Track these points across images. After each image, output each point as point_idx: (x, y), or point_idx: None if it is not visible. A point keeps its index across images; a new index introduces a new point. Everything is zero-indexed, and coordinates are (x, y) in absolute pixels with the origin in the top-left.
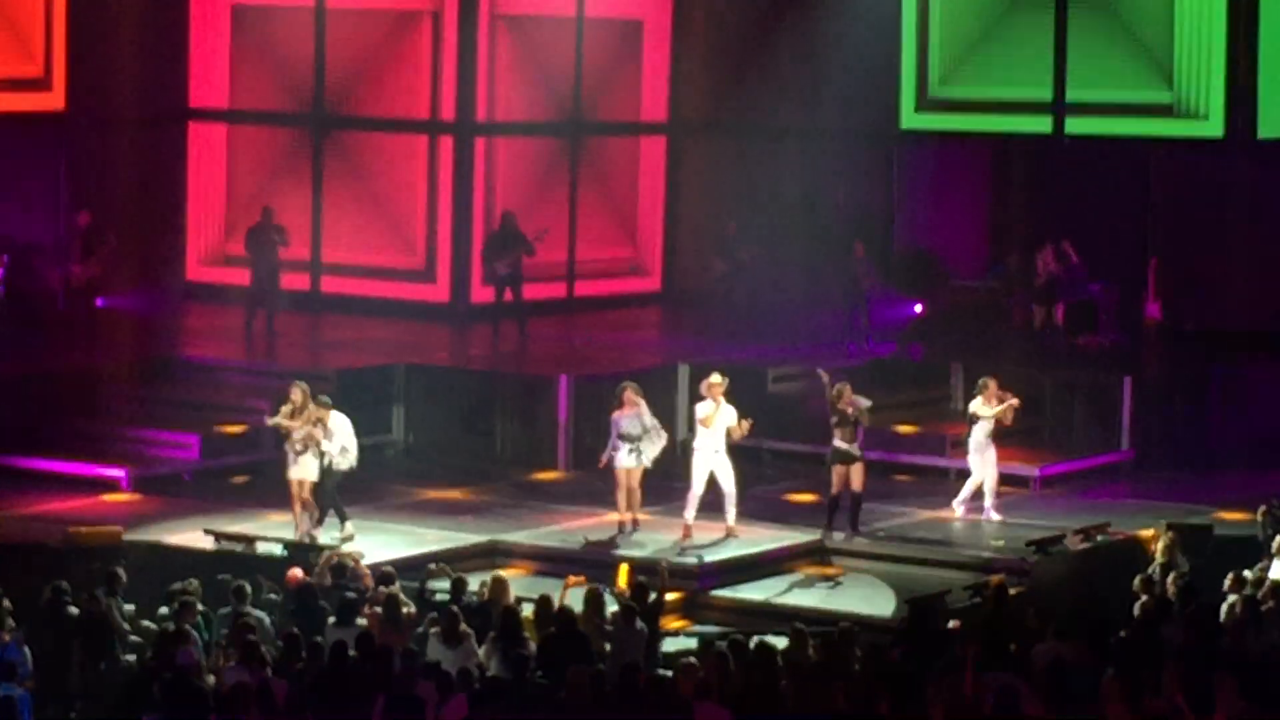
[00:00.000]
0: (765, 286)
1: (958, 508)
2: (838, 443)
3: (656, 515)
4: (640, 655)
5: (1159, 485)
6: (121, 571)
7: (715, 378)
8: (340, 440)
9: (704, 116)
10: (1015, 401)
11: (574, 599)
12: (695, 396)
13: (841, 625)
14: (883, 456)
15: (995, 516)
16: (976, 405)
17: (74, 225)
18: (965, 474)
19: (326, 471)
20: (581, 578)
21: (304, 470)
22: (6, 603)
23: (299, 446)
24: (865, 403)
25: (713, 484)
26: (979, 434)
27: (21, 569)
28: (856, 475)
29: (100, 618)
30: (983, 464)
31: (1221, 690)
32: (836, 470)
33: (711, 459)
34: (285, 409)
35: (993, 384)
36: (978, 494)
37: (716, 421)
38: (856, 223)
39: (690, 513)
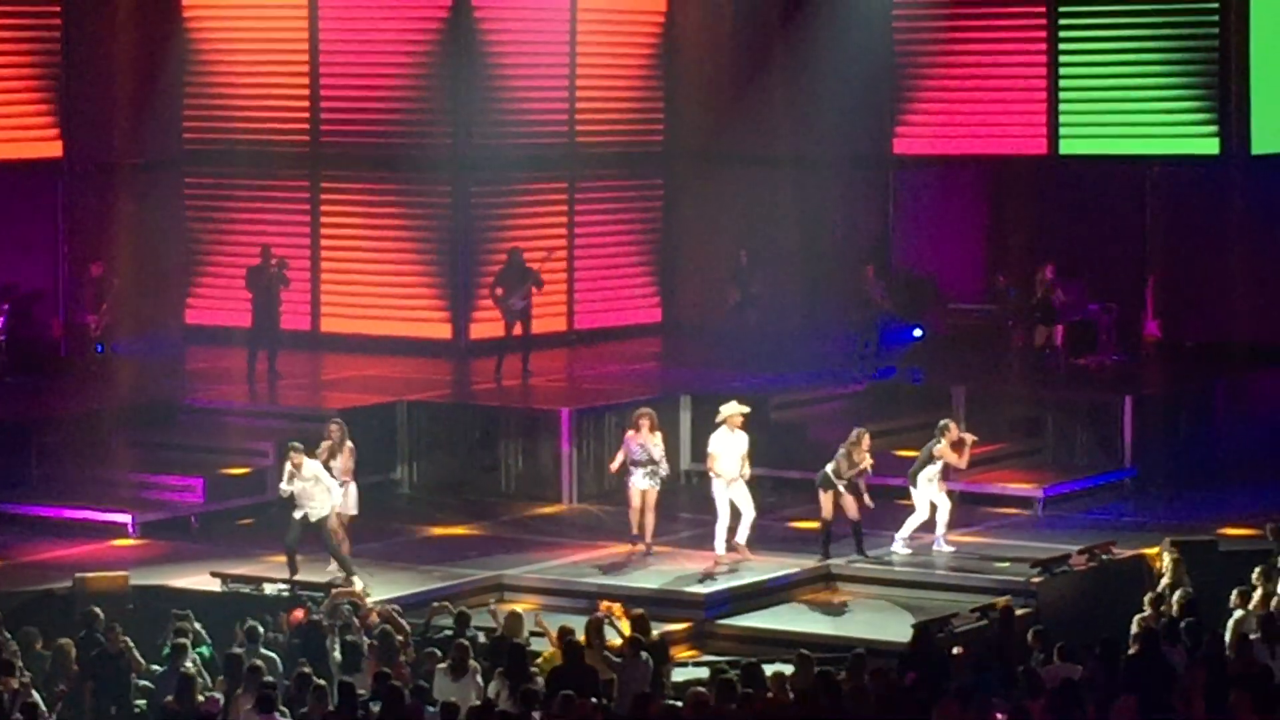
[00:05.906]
0: (771, 315)
1: (899, 544)
2: (827, 467)
3: (667, 545)
4: (646, 687)
5: (1163, 503)
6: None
7: (733, 406)
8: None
9: (699, 147)
10: (972, 438)
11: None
12: (698, 426)
13: (855, 652)
14: (885, 481)
15: (947, 548)
16: (941, 449)
17: (87, 276)
18: (969, 498)
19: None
20: (617, 606)
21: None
22: (14, 645)
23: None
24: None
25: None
26: (931, 472)
27: (29, 616)
28: (849, 504)
29: (117, 657)
30: (930, 500)
31: (1237, 708)
32: (822, 495)
33: (727, 488)
34: (326, 445)
35: (954, 426)
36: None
37: (729, 453)
38: (855, 248)
39: (719, 543)
